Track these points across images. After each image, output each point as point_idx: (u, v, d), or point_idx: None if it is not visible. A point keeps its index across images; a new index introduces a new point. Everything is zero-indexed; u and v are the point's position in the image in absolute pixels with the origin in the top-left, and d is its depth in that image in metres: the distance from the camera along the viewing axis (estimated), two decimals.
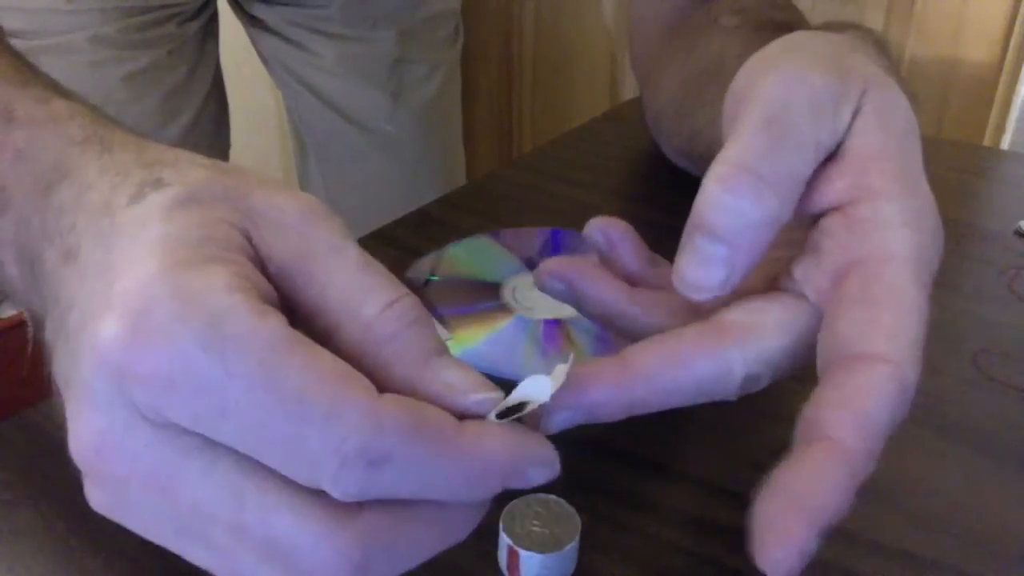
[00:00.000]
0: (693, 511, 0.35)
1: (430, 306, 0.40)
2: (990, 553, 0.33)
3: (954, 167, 0.68)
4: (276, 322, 0.20)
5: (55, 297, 0.23)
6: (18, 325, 1.37)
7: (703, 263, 0.25)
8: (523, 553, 0.30)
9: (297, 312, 0.22)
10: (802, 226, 0.28)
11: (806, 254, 0.27)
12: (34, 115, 0.27)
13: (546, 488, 0.33)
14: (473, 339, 0.38)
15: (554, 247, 0.46)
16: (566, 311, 0.41)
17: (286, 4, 0.80)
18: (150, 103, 0.74)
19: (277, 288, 0.22)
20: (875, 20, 1.36)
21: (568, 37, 1.67)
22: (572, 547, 0.31)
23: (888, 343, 0.24)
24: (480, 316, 0.40)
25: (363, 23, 0.80)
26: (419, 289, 0.42)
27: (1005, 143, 1.20)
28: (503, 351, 0.38)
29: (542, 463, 0.24)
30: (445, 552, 0.32)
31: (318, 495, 0.20)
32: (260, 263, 0.22)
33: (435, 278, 0.43)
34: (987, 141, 1.30)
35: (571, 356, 0.24)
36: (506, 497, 0.32)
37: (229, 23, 0.85)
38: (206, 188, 0.22)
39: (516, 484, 0.22)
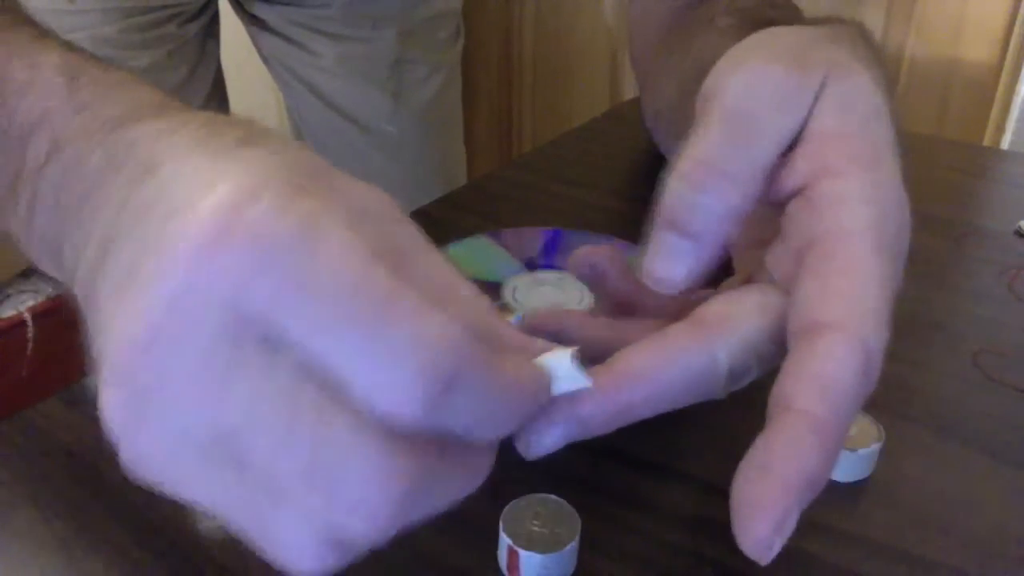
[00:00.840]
0: (693, 511, 0.35)
1: None
2: (990, 553, 0.33)
3: (954, 167, 0.68)
4: (370, 249, 0.20)
5: (114, 205, 0.22)
6: (18, 325, 1.37)
7: (668, 257, 0.26)
8: (523, 553, 0.30)
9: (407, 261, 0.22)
10: (774, 221, 0.28)
11: (775, 241, 0.27)
12: (101, 77, 0.27)
13: (546, 488, 0.33)
14: None
15: (554, 247, 0.46)
16: None
17: (287, 4, 0.80)
18: None
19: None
20: (875, 20, 1.36)
21: (568, 37, 1.67)
22: (572, 547, 0.31)
23: (844, 310, 0.24)
24: None
25: (364, 23, 0.80)
26: None
27: (1005, 143, 1.20)
28: None
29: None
30: (445, 552, 0.32)
31: (382, 422, 0.19)
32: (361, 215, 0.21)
33: None
34: (987, 141, 1.30)
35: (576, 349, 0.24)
36: (506, 497, 0.32)
37: (230, 23, 0.85)
38: (303, 155, 0.22)
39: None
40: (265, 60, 0.87)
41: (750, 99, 0.26)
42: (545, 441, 0.26)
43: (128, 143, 0.24)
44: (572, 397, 0.25)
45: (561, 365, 0.24)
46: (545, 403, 0.24)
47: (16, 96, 0.27)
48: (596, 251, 0.30)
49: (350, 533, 0.20)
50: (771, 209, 0.27)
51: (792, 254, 0.26)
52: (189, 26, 0.77)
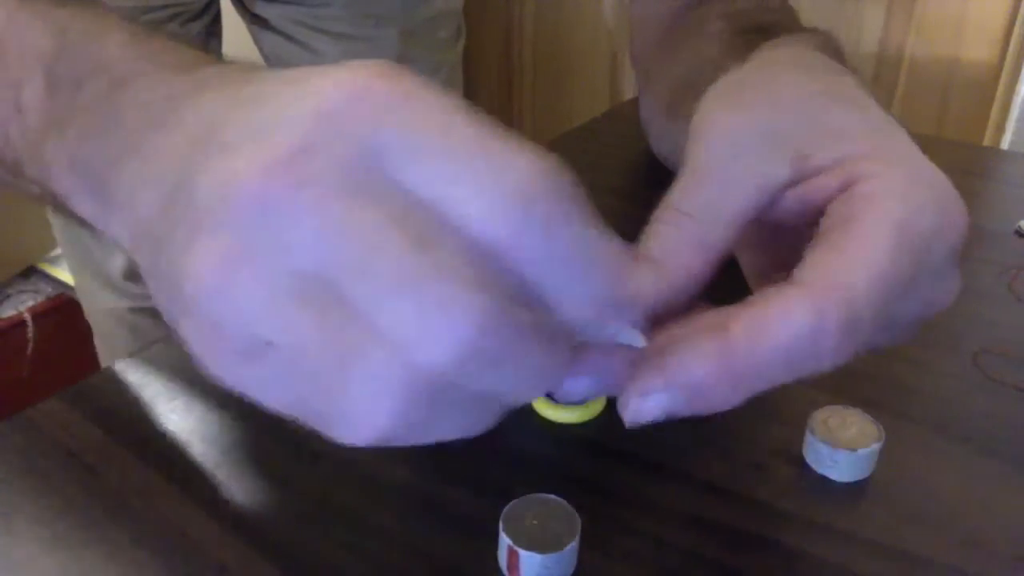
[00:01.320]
0: (693, 511, 0.35)
1: None
2: (990, 553, 0.33)
3: (954, 167, 0.68)
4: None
5: (186, 126, 0.23)
6: (18, 325, 1.37)
7: (639, 282, 0.25)
8: (523, 553, 0.30)
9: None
10: (784, 248, 0.29)
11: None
12: (159, 40, 0.28)
13: (546, 488, 0.33)
14: None
15: None
16: None
17: (288, 3, 0.80)
18: None
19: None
20: (875, 20, 1.36)
21: (568, 37, 1.67)
22: (572, 547, 0.31)
23: (822, 277, 0.24)
24: None
25: (365, 22, 0.80)
26: None
27: (1005, 143, 1.20)
28: None
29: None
30: (445, 552, 0.32)
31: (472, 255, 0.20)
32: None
33: None
34: (987, 141, 1.30)
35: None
36: (506, 497, 0.32)
37: (231, 23, 0.85)
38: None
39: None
40: (266, 59, 0.87)
41: (715, 152, 0.28)
42: (647, 407, 0.25)
43: (196, 80, 0.24)
44: (675, 358, 0.24)
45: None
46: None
47: (80, 43, 0.28)
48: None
49: (429, 383, 0.20)
50: (779, 236, 0.29)
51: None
52: (191, 25, 0.77)
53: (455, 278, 0.19)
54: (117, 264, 0.82)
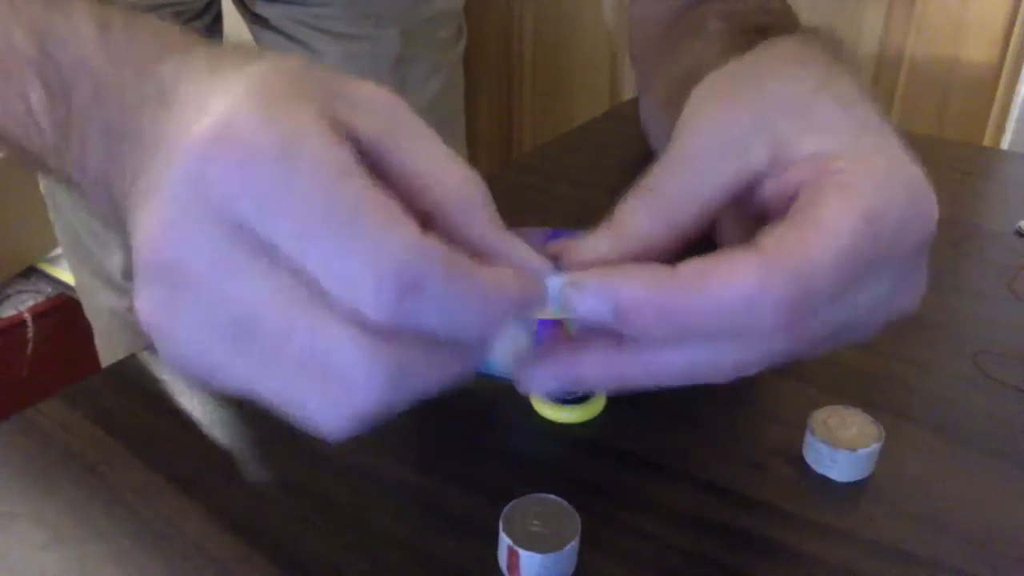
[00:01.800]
0: (693, 511, 0.35)
1: None
2: (990, 553, 0.33)
3: (954, 167, 0.68)
4: (348, 150, 0.22)
5: (144, 138, 0.25)
6: (18, 325, 1.37)
7: (594, 239, 0.29)
8: (523, 553, 0.30)
9: (379, 161, 0.24)
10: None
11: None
12: (129, 23, 0.29)
13: (546, 488, 0.33)
14: None
15: (559, 242, 0.46)
16: None
17: (289, 2, 0.80)
18: None
19: (362, 128, 0.24)
20: (875, 20, 1.36)
21: (568, 37, 1.67)
22: (572, 547, 0.31)
23: (774, 247, 0.25)
24: None
25: (366, 22, 0.80)
26: None
27: (1005, 143, 1.20)
28: (502, 351, 0.38)
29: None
30: (445, 552, 0.32)
31: (360, 319, 0.22)
32: (342, 111, 0.24)
33: None
34: (987, 141, 1.30)
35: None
36: (506, 497, 0.32)
37: (232, 23, 0.85)
38: (303, 67, 0.24)
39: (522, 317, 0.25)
40: None
41: (700, 142, 0.29)
42: (539, 381, 0.27)
43: (156, 81, 0.26)
44: (624, 275, 0.25)
45: (551, 287, 0.26)
46: (521, 316, 0.25)
47: (58, 49, 0.29)
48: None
49: (352, 410, 0.22)
50: (753, 220, 0.29)
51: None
52: (192, 25, 0.77)
53: (342, 348, 0.22)
54: (117, 263, 0.82)
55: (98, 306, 0.87)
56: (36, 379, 1.37)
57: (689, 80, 0.35)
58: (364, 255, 0.21)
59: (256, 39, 0.86)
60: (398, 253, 0.21)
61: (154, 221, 0.22)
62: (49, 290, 1.46)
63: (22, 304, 1.42)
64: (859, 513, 0.35)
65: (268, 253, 0.22)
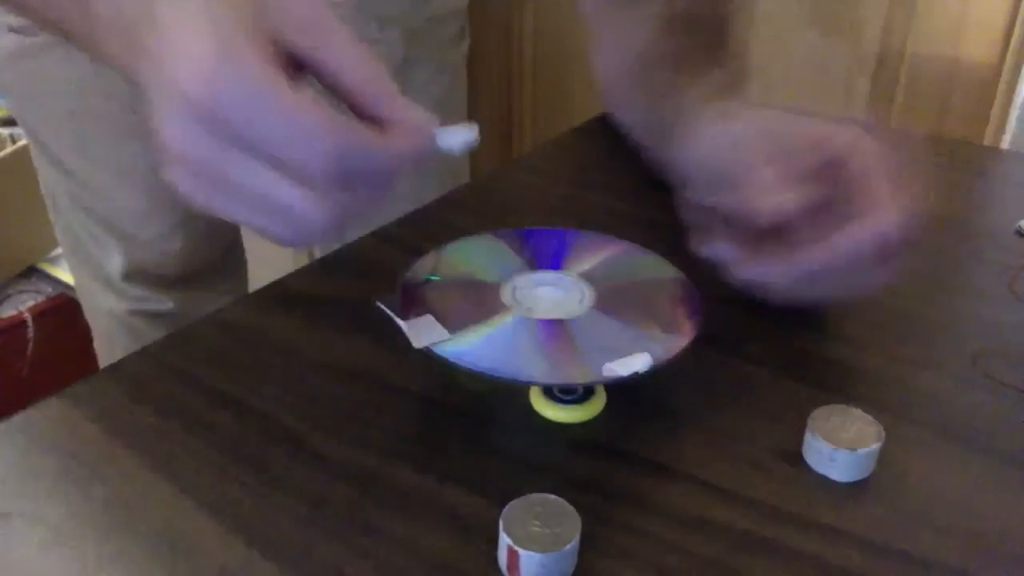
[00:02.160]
0: (693, 511, 0.35)
1: (430, 306, 0.40)
2: (990, 553, 0.33)
3: (954, 167, 0.68)
4: (282, 78, 0.32)
5: (147, 52, 0.35)
6: (18, 325, 1.37)
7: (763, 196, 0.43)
8: (523, 553, 0.30)
9: (307, 62, 0.35)
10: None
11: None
12: None
13: (546, 488, 0.33)
14: (473, 338, 0.38)
15: (555, 247, 0.46)
16: (566, 310, 0.41)
17: None
18: None
19: (293, 47, 0.35)
20: (875, 20, 1.36)
21: (568, 37, 1.67)
22: (572, 547, 0.31)
23: (871, 207, 0.42)
24: (480, 316, 0.40)
25: (370, 23, 0.80)
26: (419, 289, 0.42)
27: (1005, 143, 1.20)
28: (505, 351, 0.38)
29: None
30: (445, 552, 0.32)
31: (309, 180, 0.33)
32: (281, 32, 0.34)
33: (435, 278, 0.43)
34: (987, 141, 1.30)
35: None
36: (506, 497, 0.32)
37: None
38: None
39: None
40: None
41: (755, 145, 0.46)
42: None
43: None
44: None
45: (456, 134, 0.37)
46: (425, 158, 0.36)
47: None
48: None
49: (303, 235, 0.35)
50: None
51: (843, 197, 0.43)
52: None
53: (296, 198, 0.34)
54: (116, 265, 0.82)
55: (97, 308, 0.87)
56: (36, 379, 1.37)
57: (637, 65, 0.59)
58: (310, 142, 0.32)
59: None
60: (325, 139, 0.32)
61: (166, 129, 0.33)
62: (49, 290, 1.46)
63: (22, 304, 1.42)
64: (859, 513, 0.35)
65: (247, 146, 0.33)
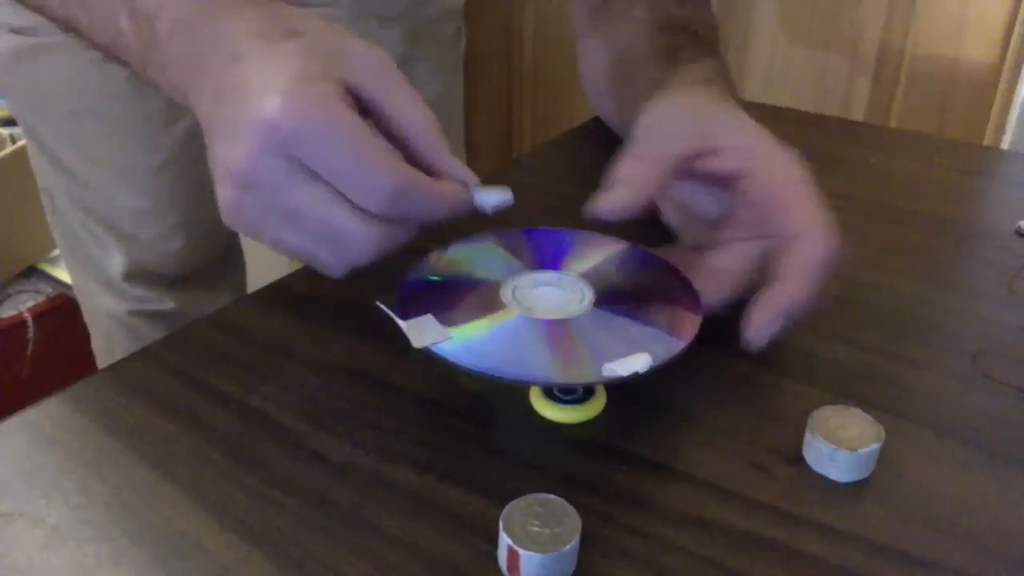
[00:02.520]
0: (693, 511, 0.35)
1: (430, 306, 0.40)
2: (990, 553, 0.33)
3: (954, 167, 0.68)
4: (358, 118, 0.36)
5: (219, 83, 0.38)
6: (18, 325, 1.37)
7: (608, 195, 0.43)
8: (523, 553, 0.30)
9: (371, 107, 0.39)
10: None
11: (738, 207, 0.45)
12: None
13: (546, 488, 0.33)
14: (475, 339, 0.38)
15: (555, 247, 0.46)
16: (567, 310, 0.41)
17: (292, 3, 0.80)
18: (157, 102, 0.74)
19: (361, 92, 0.39)
20: (875, 20, 1.36)
21: (568, 37, 1.67)
22: (572, 547, 0.31)
23: (805, 225, 0.42)
24: (481, 316, 0.40)
25: (370, 21, 0.80)
26: (419, 289, 0.42)
27: (1005, 143, 1.20)
28: (505, 351, 0.38)
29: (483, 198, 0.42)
30: (445, 552, 0.32)
31: (363, 211, 0.37)
32: (356, 78, 0.38)
33: (436, 278, 0.43)
34: (987, 141, 1.30)
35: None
36: (506, 497, 0.32)
37: None
38: (322, 44, 0.39)
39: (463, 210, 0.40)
40: None
41: (658, 131, 0.46)
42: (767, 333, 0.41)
43: (219, 33, 0.39)
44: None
45: (492, 195, 0.42)
46: (456, 211, 0.40)
47: None
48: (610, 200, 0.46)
49: (351, 262, 0.38)
50: (694, 196, 0.48)
51: (754, 208, 0.44)
52: None
53: (355, 225, 0.38)
54: (117, 266, 0.82)
55: (97, 309, 0.87)
56: (36, 379, 1.37)
57: (623, 59, 0.61)
58: (374, 177, 0.36)
59: None
60: (389, 177, 0.36)
61: (240, 154, 0.36)
62: (49, 290, 1.46)
63: (22, 304, 1.42)
64: (859, 513, 0.35)
65: (310, 175, 0.36)
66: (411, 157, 0.39)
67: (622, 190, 0.43)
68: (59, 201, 0.82)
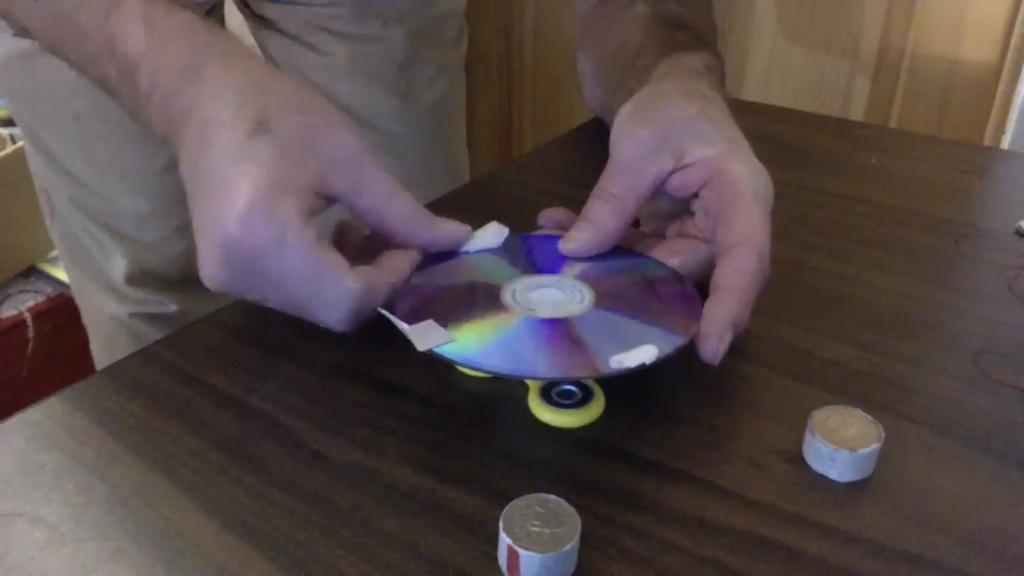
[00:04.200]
0: (693, 511, 0.35)
1: (431, 310, 0.40)
2: (990, 553, 0.33)
3: (954, 167, 0.68)
4: (315, 234, 0.38)
5: (194, 158, 0.40)
6: (18, 325, 1.37)
7: (576, 232, 0.46)
8: (523, 553, 0.30)
9: (347, 205, 0.42)
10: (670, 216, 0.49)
11: (697, 213, 0.46)
12: (168, 25, 0.43)
13: (546, 488, 0.33)
14: (476, 340, 0.38)
15: (553, 251, 0.46)
16: (568, 310, 0.41)
17: (295, 3, 0.80)
18: None
19: (335, 193, 0.41)
20: (875, 20, 1.36)
21: (568, 37, 1.67)
22: (572, 547, 0.31)
23: (745, 235, 0.42)
24: (481, 317, 0.40)
25: (373, 22, 0.80)
26: (420, 292, 0.42)
27: (1005, 143, 1.20)
28: (506, 351, 0.38)
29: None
30: (445, 552, 0.32)
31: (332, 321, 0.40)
32: (323, 180, 0.40)
33: (437, 283, 0.43)
34: (987, 141, 1.30)
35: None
36: (506, 497, 0.32)
37: (236, 25, 0.85)
38: (296, 144, 0.40)
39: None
40: (272, 60, 0.87)
41: (630, 155, 0.46)
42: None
43: (190, 106, 0.40)
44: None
45: (488, 232, 0.46)
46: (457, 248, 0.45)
47: (120, 45, 0.43)
48: (557, 211, 0.50)
49: (345, 322, 0.40)
50: (667, 205, 0.49)
51: (708, 216, 0.45)
52: None
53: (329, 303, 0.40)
54: (119, 268, 0.82)
55: (98, 311, 0.87)
56: (36, 379, 1.37)
57: (619, 54, 0.60)
58: (326, 310, 0.40)
59: (261, 43, 0.86)
60: (344, 303, 0.39)
61: (208, 253, 0.39)
62: (49, 290, 1.46)
63: (22, 304, 1.42)
64: (859, 513, 0.35)
65: (274, 281, 0.39)
66: (395, 242, 0.43)
67: (588, 232, 0.45)
68: (59, 203, 0.82)
